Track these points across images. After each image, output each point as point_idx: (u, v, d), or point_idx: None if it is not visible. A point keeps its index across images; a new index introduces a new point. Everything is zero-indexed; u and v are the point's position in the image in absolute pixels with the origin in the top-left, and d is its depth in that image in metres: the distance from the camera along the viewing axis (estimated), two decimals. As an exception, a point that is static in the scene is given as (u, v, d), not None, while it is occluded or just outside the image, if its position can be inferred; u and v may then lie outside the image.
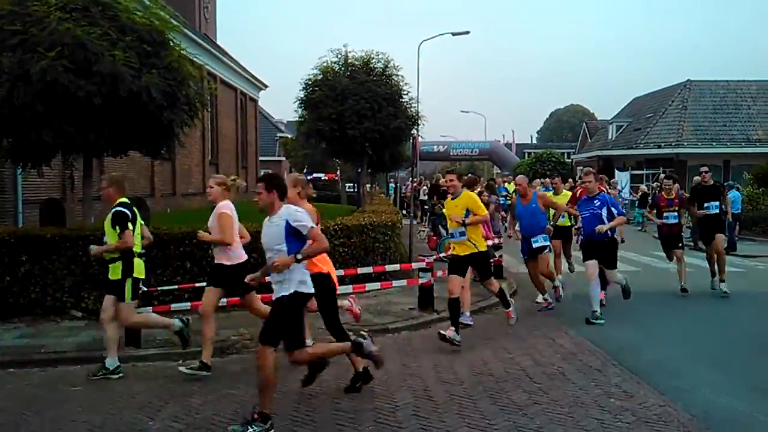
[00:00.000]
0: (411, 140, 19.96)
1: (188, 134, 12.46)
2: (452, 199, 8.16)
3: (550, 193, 11.78)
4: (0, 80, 8.27)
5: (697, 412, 5.47)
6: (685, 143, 37.07)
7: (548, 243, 9.76)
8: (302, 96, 20.59)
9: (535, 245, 9.63)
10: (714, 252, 11.22)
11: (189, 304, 8.21)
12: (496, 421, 5.30)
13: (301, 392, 6.07)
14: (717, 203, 11.34)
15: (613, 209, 9.21)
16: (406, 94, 21.13)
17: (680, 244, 11.28)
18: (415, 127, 22.30)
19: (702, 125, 38.43)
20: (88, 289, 8.91)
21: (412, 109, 21.55)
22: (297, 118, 21.90)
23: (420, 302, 9.58)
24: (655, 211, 11.56)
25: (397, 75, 20.89)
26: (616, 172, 35.94)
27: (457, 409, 5.60)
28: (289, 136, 51.00)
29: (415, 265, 10.71)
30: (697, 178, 12.14)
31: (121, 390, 6.27)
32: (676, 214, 11.16)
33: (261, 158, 41.79)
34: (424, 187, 26.45)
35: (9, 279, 8.75)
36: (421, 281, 9.56)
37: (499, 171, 47.79)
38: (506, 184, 22.00)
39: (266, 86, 38.79)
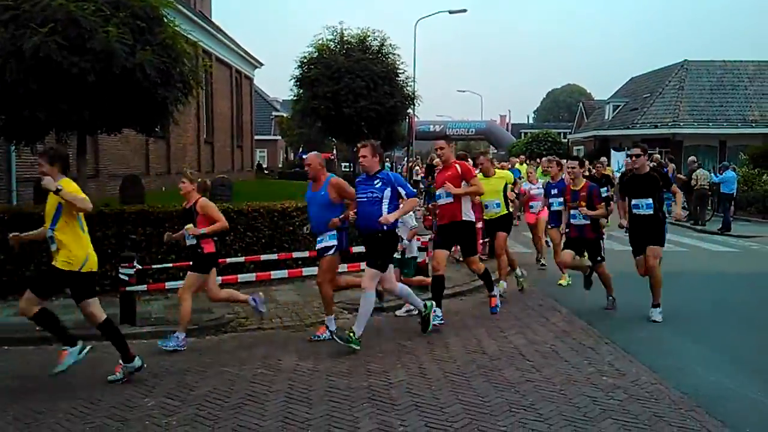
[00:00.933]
0: (407, 119, 19.81)
1: (183, 112, 12.39)
2: None
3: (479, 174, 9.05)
4: (-8, 56, 8.19)
5: (689, 389, 5.52)
6: (682, 123, 37.08)
7: (334, 243, 7.08)
8: (298, 74, 20.42)
9: (319, 245, 7.17)
10: (642, 268, 8.16)
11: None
12: (489, 398, 5.34)
13: (296, 370, 6.11)
14: (650, 201, 7.90)
15: (400, 189, 6.99)
16: (403, 73, 21.02)
17: (598, 256, 8.64)
18: (411, 106, 22.21)
19: (699, 105, 38.40)
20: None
21: (408, 88, 21.44)
22: (292, 97, 21.76)
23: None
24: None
25: (394, 53, 20.76)
26: (612, 152, 35.94)
27: (451, 386, 5.63)
28: (285, 114, 50.85)
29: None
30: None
31: (117, 367, 6.29)
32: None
33: (256, 137, 41.66)
34: (417, 168, 26.38)
35: (3, 257, 8.73)
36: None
37: (495, 151, 47.67)
38: (518, 164, 18.85)
39: (261, 64, 38.58)
